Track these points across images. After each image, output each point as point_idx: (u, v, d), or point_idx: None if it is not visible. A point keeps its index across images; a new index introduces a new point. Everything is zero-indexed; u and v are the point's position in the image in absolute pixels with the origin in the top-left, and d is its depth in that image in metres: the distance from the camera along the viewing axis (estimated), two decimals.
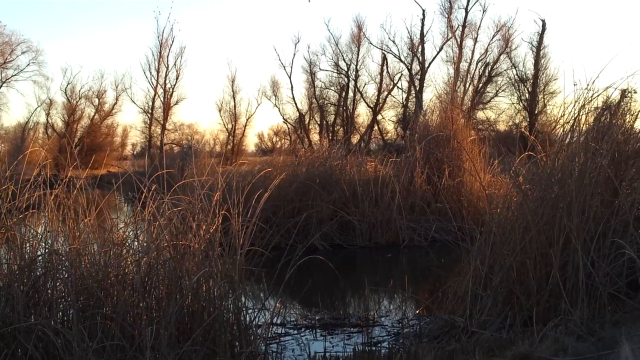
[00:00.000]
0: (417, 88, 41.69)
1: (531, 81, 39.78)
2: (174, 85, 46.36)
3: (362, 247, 11.59)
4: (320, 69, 45.39)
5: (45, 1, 63.82)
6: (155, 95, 46.14)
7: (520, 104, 40.14)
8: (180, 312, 4.88)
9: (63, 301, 4.94)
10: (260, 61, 73.43)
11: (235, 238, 5.34)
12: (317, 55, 45.22)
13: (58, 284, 5.02)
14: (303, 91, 46.59)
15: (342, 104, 45.19)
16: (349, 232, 11.96)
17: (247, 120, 47.99)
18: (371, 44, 43.70)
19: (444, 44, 41.40)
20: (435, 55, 41.79)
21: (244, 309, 5.35)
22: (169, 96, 46.17)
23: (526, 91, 40.02)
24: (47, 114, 46.51)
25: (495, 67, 41.00)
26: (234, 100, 47.56)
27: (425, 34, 41.87)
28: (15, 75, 44.34)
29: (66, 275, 5.00)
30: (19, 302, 4.56)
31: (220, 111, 47.98)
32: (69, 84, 46.30)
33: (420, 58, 41.91)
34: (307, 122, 46.20)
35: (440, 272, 8.39)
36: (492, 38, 40.93)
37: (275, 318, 6.01)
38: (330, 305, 7.27)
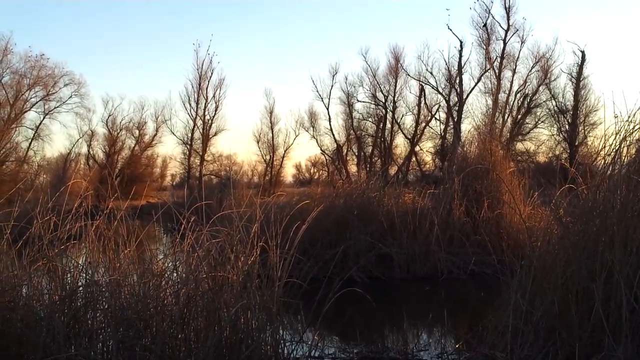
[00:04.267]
0: (455, 119, 41.68)
1: (571, 112, 39.45)
2: (213, 116, 47.04)
3: (400, 280, 11.48)
4: (358, 101, 45.70)
5: (88, 34, 65.38)
6: (194, 126, 46.80)
7: (560, 135, 39.81)
8: (219, 344, 4.88)
9: (103, 332, 4.98)
10: (299, 92, 74.04)
11: (273, 270, 5.34)
12: (354, 86, 45.60)
13: (98, 314, 5.07)
14: (341, 122, 46.85)
15: (379, 135, 45.34)
16: (387, 264, 11.84)
17: (285, 151, 48.40)
18: (409, 75, 43.93)
19: (482, 75, 41.43)
20: (474, 87, 41.85)
21: (281, 341, 5.33)
22: (208, 127, 46.81)
23: (566, 122, 39.68)
24: (89, 145, 47.54)
25: (534, 98, 40.83)
26: (272, 131, 48.13)
27: (463, 65, 42.01)
28: (58, 107, 45.46)
29: (106, 306, 5.05)
30: (59, 333, 4.61)
31: (258, 142, 48.55)
32: (110, 115, 47.34)
33: (458, 89, 41.97)
34: (344, 153, 46.39)
35: (480, 305, 8.29)
36: (531, 69, 40.88)
37: (313, 351, 5.97)
38: (369, 338, 7.20)
